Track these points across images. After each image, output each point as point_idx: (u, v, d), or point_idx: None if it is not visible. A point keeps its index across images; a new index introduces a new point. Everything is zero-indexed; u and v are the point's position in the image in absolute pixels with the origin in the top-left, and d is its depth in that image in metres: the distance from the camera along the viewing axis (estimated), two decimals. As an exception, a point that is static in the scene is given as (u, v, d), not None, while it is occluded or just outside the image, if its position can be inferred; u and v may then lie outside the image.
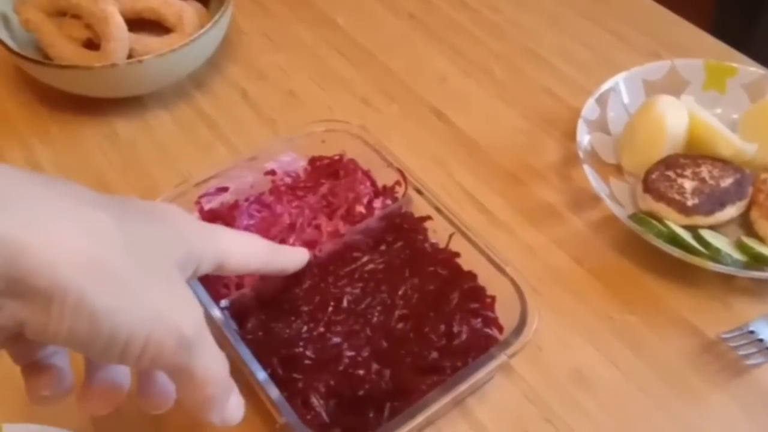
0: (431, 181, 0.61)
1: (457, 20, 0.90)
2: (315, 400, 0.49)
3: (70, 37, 0.76)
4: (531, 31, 0.88)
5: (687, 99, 0.72)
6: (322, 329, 0.53)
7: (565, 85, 0.81)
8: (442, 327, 0.53)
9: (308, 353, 0.52)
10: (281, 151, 0.64)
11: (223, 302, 0.54)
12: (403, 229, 0.60)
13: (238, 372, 0.46)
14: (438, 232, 0.59)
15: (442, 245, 0.59)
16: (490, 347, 0.51)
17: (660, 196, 0.64)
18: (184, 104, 0.79)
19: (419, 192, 0.60)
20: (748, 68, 0.75)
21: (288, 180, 0.64)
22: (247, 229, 0.59)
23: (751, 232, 0.64)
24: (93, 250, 0.34)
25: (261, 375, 0.49)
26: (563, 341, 0.59)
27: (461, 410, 0.55)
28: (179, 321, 0.37)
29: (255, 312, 0.54)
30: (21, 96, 0.79)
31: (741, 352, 0.57)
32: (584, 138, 0.70)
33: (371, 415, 0.50)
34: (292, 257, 0.54)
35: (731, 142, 0.68)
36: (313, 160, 0.65)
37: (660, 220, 0.63)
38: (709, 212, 0.63)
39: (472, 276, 0.57)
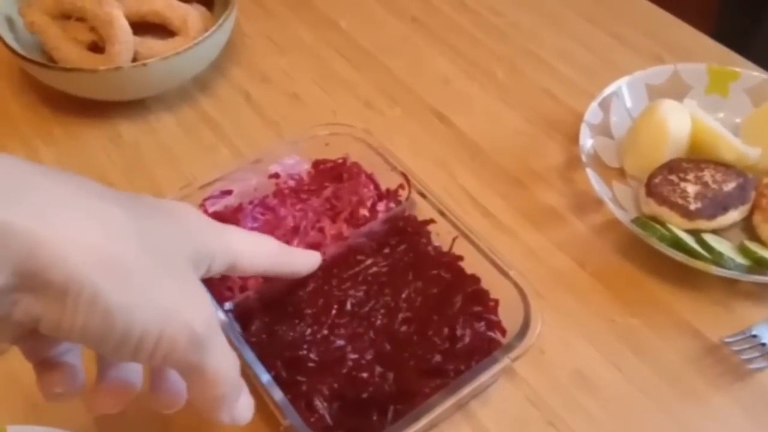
0: (434, 184, 0.61)
1: (459, 23, 0.90)
2: (319, 403, 0.50)
3: (74, 40, 0.77)
4: (532, 34, 0.88)
5: (690, 103, 0.72)
6: (325, 332, 0.53)
7: (566, 87, 0.81)
8: (446, 330, 0.54)
9: (312, 356, 0.52)
10: (285, 154, 0.64)
11: (227, 305, 0.54)
12: (406, 233, 0.60)
13: (242, 374, 0.46)
14: (441, 236, 0.59)
15: (445, 248, 0.59)
16: (493, 350, 0.51)
17: (663, 200, 0.64)
18: (187, 107, 0.79)
19: (423, 195, 0.60)
20: (750, 72, 0.75)
21: (292, 183, 0.64)
22: (251, 231, 0.59)
23: (754, 237, 0.64)
24: (108, 245, 0.34)
25: (265, 377, 0.49)
26: (566, 344, 0.59)
27: (464, 413, 0.55)
28: (192, 318, 0.37)
29: (259, 314, 0.54)
30: (25, 98, 0.80)
31: (743, 356, 0.57)
32: (587, 142, 0.70)
33: (375, 417, 0.50)
34: (304, 260, 0.54)
35: (734, 147, 0.68)
36: (316, 163, 0.65)
37: (663, 224, 0.63)
38: (712, 216, 0.63)
39: (475, 279, 0.57)
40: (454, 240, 0.58)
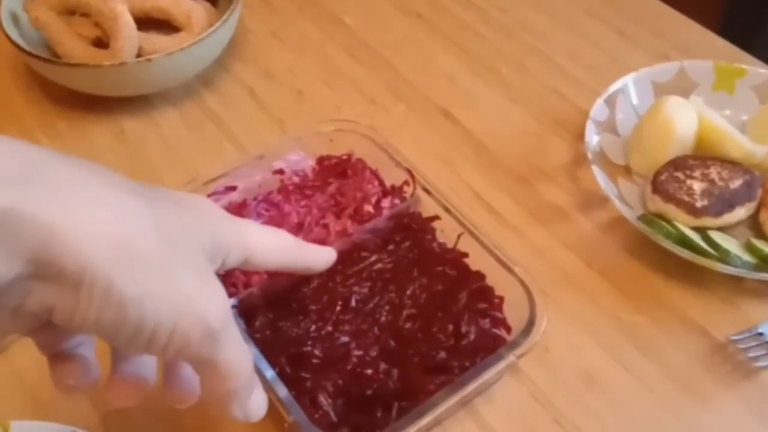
0: (439, 181, 0.61)
1: (465, 20, 0.90)
2: (323, 399, 0.49)
3: (79, 36, 0.77)
4: (539, 31, 0.88)
5: (696, 100, 0.72)
6: (330, 328, 0.53)
7: (573, 85, 0.81)
8: (450, 327, 0.53)
9: (316, 352, 0.52)
10: (289, 150, 0.64)
11: (232, 301, 0.53)
12: (411, 229, 0.60)
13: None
14: (446, 232, 0.59)
15: (450, 245, 0.59)
16: (498, 348, 0.51)
17: (669, 198, 0.64)
18: (192, 103, 0.79)
19: (427, 192, 0.60)
20: (757, 69, 0.75)
21: (296, 179, 0.64)
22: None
23: (761, 234, 0.64)
24: (123, 235, 0.33)
25: (269, 374, 0.48)
26: (572, 342, 0.59)
27: (469, 411, 0.55)
28: (206, 311, 0.36)
29: (263, 311, 0.54)
30: (30, 94, 0.79)
31: (750, 354, 0.57)
32: (593, 139, 0.69)
33: (379, 414, 0.49)
34: (319, 256, 0.52)
35: (740, 144, 0.68)
36: (321, 160, 0.65)
37: (669, 221, 0.63)
38: (718, 214, 0.63)
39: (480, 276, 0.56)
40: (459, 236, 0.58)
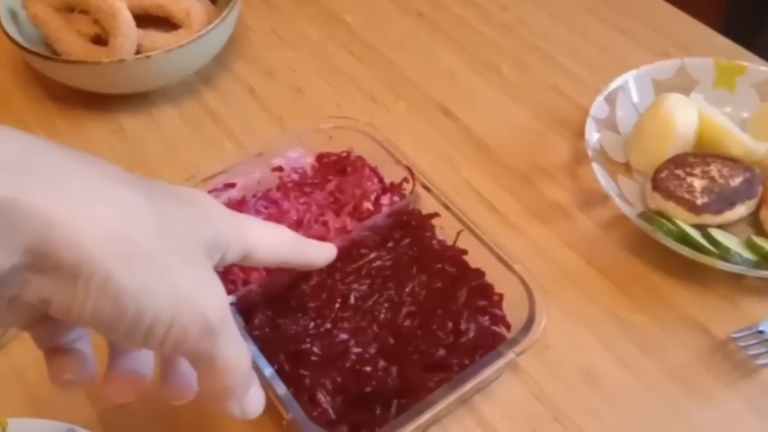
0: (439, 179, 0.61)
1: (465, 18, 0.90)
2: (322, 397, 0.49)
3: (78, 33, 0.76)
4: (539, 29, 0.88)
5: (697, 98, 0.72)
6: (329, 326, 0.53)
7: (573, 83, 0.81)
8: (450, 324, 0.53)
9: (315, 349, 0.52)
10: (289, 147, 0.64)
11: (230, 298, 0.53)
12: (410, 226, 0.59)
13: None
14: (445, 229, 0.59)
15: (449, 242, 0.58)
16: (497, 345, 0.51)
17: (669, 195, 0.63)
18: (191, 100, 0.79)
19: (427, 189, 0.60)
20: (758, 67, 0.75)
21: (295, 176, 0.64)
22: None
23: (761, 232, 0.64)
24: (122, 227, 0.33)
25: (268, 371, 0.48)
26: (571, 340, 0.59)
27: (468, 408, 0.55)
28: (204, 306, 0.36)
29: (262, 308, 0.54)
30: (29, 91, 0.79)
31: (750, 352, 0.57)
32: (593, 136, 0.69)
33: (378, 411, 0.49)
34: (319, 252, 0.52)
35: (741, 141, 0.67)
36: (320, 157, 0.65)
37: (669, 218, 0.62)
38: (719, 211, 0.63)
39: (480, 273, 0.56)
40: (458, 234, 0.58)
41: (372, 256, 0.57)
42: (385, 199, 0.62)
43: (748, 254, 0.60)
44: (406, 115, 0.78)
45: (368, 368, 0.51)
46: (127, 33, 0.74)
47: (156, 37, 0.76)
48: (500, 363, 0.49)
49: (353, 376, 0.50)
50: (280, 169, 0.64)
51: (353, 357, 0.51)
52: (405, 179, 0.62)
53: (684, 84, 0.74)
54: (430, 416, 0.47)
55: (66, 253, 0.31)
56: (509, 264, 0.54)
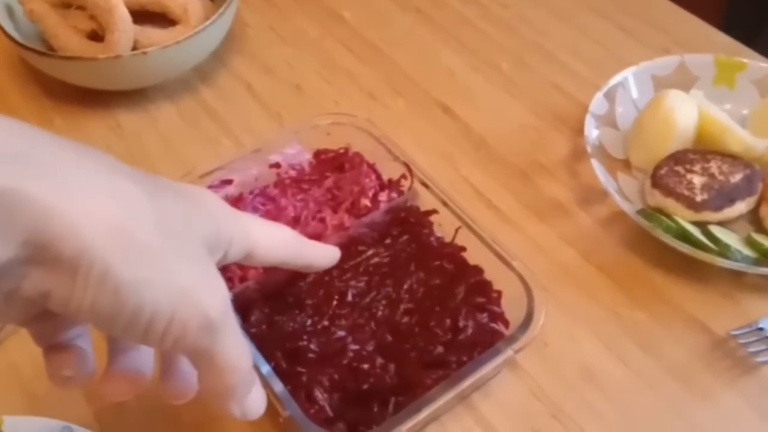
0: (438, 176, 0.60)
1: (465, 15, 0.89)
2: (319, 394, 0.49)
3: (74, 29, 0.76)
4: (539, 26, 0.88)
5: (696, 94, 0.71)
6: (326, 323, 0.53)
7: (573, 80, 0.80)
8: (448, 321, 0.53)
9: (312, 347, 0.51)
10: (286, 143, 0.64)
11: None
12: (408, 223, 0.59)
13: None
14: (444, 226, 0.59)
15: (448, 239, 0.58)
16: (496, 342, 0.51)
17: (669, 192, 0.63)
18: (188, 97, 0.78)
19: (425, 185, 0.59)
20: (758, 64, 0.75)
21: (293, 173, 0.64)
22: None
23: (761, 229, 0.64)
24: (123, 220, 0.33)
25: (265, 368, 0.48)
26: (570, 337, 0.58)
27: (466, 405, 0.54)
28: (205, 301, 0.35)
29: (259, 305, 0.54)
30: (25, 88, 0.79)
31: (750, 349, 0.56)
32: (592, 133, 0.69)
33: (375, 409, 0.49)
34: (322, 253, 0.51)
35: (741, 138, 0.67)
36: (318, 153, 0.65)
37: (669, 215, 0.62)
38: (719, 208, 0.62)
39: (478, 270, 0.56)
40: (456, 230, 0.57)
41: (370, 253, 0.57)
42: (383, 196, 0.61)
43: (747, 251, 0.60)
44: (404, 112, 0.77)
45: (366, 365, 0.51)
46: (124, 29, 0.73)
47: (153, 33, 0.76)
48: (499, 360, 0.49)
49: (351, 373, 0.50)
50: (277, 165, 0.63)
51: (351, 354, 0.51)
52: (403, 176, 0.61)
53: (684, 80, 0.74)
54: (428, 414, 0.47)
55: (65, 245, 0.31)
56: (508, 261, 0.54)
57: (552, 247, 0.64)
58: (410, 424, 0.46)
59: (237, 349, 0.38)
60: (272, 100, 0.78)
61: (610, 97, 0.72)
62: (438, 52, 0.85)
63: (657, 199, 0.64)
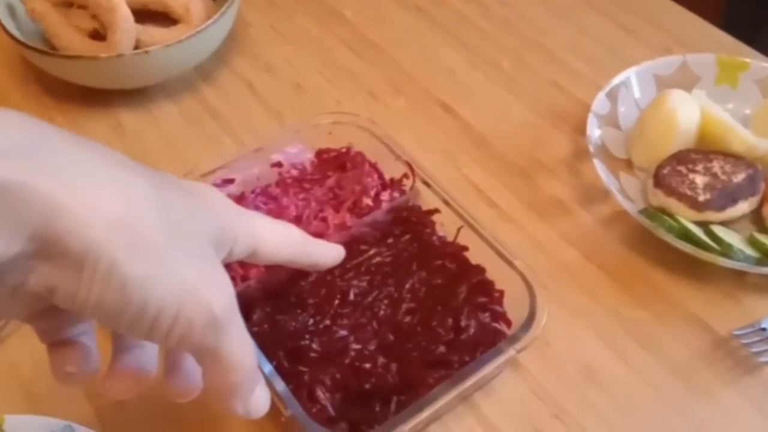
0: (439, 175, 0.60)
1: (466, 13, 0.89)
2: (321, 393, 0.49)
3: (76, 28, 0.76)
4: (540, 25, 0.87)
5: (699, 94, 0.71)
6: (328, 322, 0.53)
7: (574, 79, 0.80)
8: (450, 321, 0.53)
9: (314, 346, 0.51)
10: (288, 142, 0.64)
11: (229, 294, 0.53)
12: (410, 222, 0.59)
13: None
14: (446, 226, 0.59)
15: (450, 238, 0.58)
16: (498, 342, 0.50)
17: (671, 192, 0.63)
18: (190, 96, 0.78)
19: (427, 185, 0.59)
20: (760, 63, 0.74)
21: (294, 172, 0.63)
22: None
23: (764, 229, 0.63)
24: (129, 215, 0.33)
25: (266, 368, 0.48)
26: (572, 337, 0.58)
27: (468, 405, 0.54)
28: (211, 298, 0.35)
29: (260, 304, 0.53)
30: (27, 87, 0.79)
31: (752, 349, 0.56)
32: (594, 132, 0.69)
33: (377, 408, 0.49)
34: (327, 252, 0.51)
35: (744, 138, 0.67)
36: (320, 153, 0.65)
37: (671, 215, 0.62)
38: (721, 208, 0.62)
39: (480, 270, 0.56)
40: (459, 230, 0.57)
41: (372, 252, 0.57)
42: (384, 195, 0.61)
43: (750, 251, 0.60)
44: (405, 111, 0.77)
45: (368, 365, 0.50)
46: (126, 28, 0.73)
47: (155, 32, 0.76)
48: (501, 360, 0.49)
49: (353, 372, 0.50)
50: (279, 164, 0.63)
51: (353, 353, 0.51)
52: (405, 175, 0.61)
53: (686, 80, 0.74)
54: (429, 413, 0.46)
55: (72, 240, 0.31)
56: (510, 260, 0.54)
57: (553, 247, 0.64)
58: (412, 423, 0.46)
59: (242, 347, 0.38)
60: (273, 99, 0.78)
61: (612, 96, 0.72)
62: (438, 50, 0.85)
63: (659, 198, 0.64)
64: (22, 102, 0.77)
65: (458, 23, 0.88)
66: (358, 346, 0.51)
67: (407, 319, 0.53)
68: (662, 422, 0.54)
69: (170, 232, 0.35)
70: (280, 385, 0.47)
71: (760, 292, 0.61)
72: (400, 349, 0.52)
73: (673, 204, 0.63)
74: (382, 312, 0.54)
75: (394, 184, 0.62)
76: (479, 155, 0.72)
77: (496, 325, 0.53)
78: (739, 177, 0.64)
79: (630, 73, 0.73)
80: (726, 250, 0.59)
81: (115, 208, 0.32)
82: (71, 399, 0.54)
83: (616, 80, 0.72)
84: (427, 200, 0.60)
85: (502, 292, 0.55)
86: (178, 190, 0.38)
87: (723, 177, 0.64)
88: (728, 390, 0.55)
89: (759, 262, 0.60)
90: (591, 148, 0.67)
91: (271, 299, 0.54)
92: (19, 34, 0.74)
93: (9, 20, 0.75)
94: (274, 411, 0.46)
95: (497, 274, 0.55)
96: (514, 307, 0.54)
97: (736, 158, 0.65)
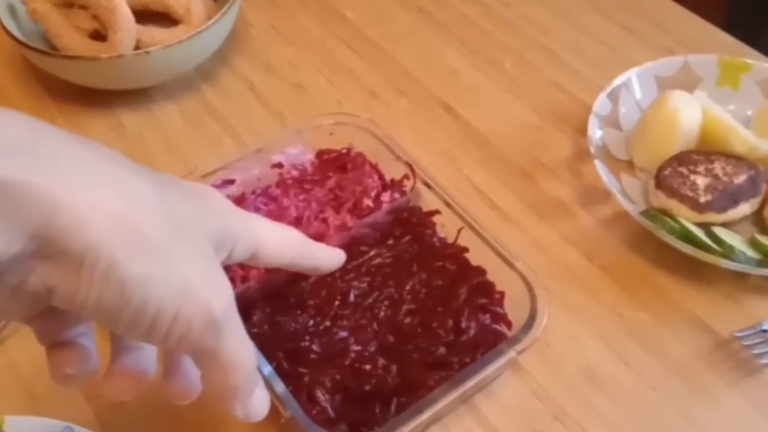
0: (440, 176, 0.60)
1: (467, 14, 0.89)
2: (321, 395, 0.49)
3: (77, 28, 0.76)
4: (542, 26, 0.87)
5: (700, 95, 0.71)
6: (328, 323, 0.53)
7: (576, 80, 0.80)
8: (450, 322, 0.53)
9: (314, 347, 0.51)
10: (289, 143, 0.64)
11: (229, 295, 0.53)
12: (411, 223, 0.59)
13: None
14: (446, 227, 0.59)
15: (450, 240, 0.58)
16: (498, 343, 0.51)
17: (672, 193, 0.63)
18: (191, 97, 0.78)
19: (428, 186, 0.59)
20: (762, 64, 0.74)
21: (295, 173, 0.63)
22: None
23: (765, 230, 0.63)
24: (129, 215, 0.33)
25: (266, 369, 0.48)
26: (573, 338, 0.58)
27: (469, 407, 0.54)
28: (210, 299, 0.35)
29: (260, 305, 0.53)
30: (28, 87, 0.79)
31: (754, 351, 0.56)
32: (596, 133, 0.69)
33: (377, 410, 0.49)
34: (328, 255, 0.50)
35: (745, 139, 0.67)
36: (320, 153, 0.65)
37: (672, 216, 0.62)
38: (723, 209, 0.62)
39: (481, 271, 0.56)
40: (459, 231, 0.57)
41: (372, 253, 0.57)
42: (385, 196, 0.61)
43: (751, 252, 0.60)
44: (407, 112, 0.77)
45: (368, 366, 0.50)
46: (127, 28, 0.73)
47: (155, 33, 0.76)
48: (501, 361, 0.49)
49: (353, 374, 0.50)
50: (279, 165, 0.63)
51: (353, 355, 0.51)
52: (406, 176, 0.61)
53: (687, 81, 0.73)
54: (430, 415, 0.46)
55: (72, 240, 0.31)
56: (510, 261, 0.54)
57: (554, 248, 0.64)
58: (412, 425, 0.46)
59: (241, 348, 0.38)
60: (274, 99, 0.78)
61: (613, 97, 0.72)
62: (440, 51, 0.84)
63: (660, 200, 0.64)
64: (22, 102, 0.77)
65: (460, 23, 0.88)
66: (358, 348, 0.51)
67: (407, 320, 0.53)
68: (663, 423, 0.54)
69: (171, 231, 0.34)
70: (280, 387, 0.47)
71: (761, 293, 0.61)
72: (401, 350, 0.51)
73: (674, 205, 0.63)
74: (382, 313, 0.54)
75: (395, 185, 0.62)
76: (480, 156, 0.72)
77: (496, 326, 0.53)
78: (741, 178, 0.63)
79: (631, 74, 0.73)
80: (727, 251, 0.59)
81: (115, 207, 0.32)
82: (71, 400, 0.54)
83: (618, 81, 0.72)
84: (428, 201, 0.59)
85: (502, 294, 0.55)
86: (179, 191, 0.38)
87: (724, 178, 0.63)
88: (729, 391, 0.55)
89: (760, 264, 0.60)
90: (592, 149, 0.67)
91: (271, 300, 0.54)
92: (20, 34, 0.74)
93: (10, 21, 0.75)
94: (273, 412, 0.46)
95: (498, 275, 0.55)
96: (514, 308, 0.54)
97: (737, 159, 0.65)
